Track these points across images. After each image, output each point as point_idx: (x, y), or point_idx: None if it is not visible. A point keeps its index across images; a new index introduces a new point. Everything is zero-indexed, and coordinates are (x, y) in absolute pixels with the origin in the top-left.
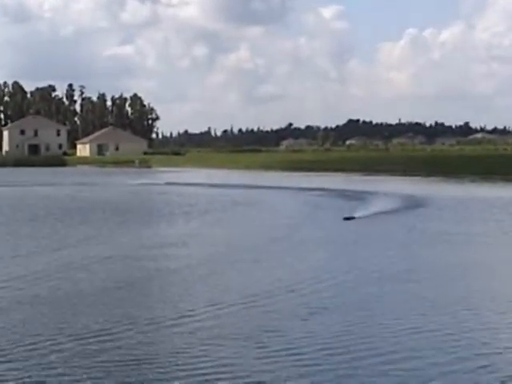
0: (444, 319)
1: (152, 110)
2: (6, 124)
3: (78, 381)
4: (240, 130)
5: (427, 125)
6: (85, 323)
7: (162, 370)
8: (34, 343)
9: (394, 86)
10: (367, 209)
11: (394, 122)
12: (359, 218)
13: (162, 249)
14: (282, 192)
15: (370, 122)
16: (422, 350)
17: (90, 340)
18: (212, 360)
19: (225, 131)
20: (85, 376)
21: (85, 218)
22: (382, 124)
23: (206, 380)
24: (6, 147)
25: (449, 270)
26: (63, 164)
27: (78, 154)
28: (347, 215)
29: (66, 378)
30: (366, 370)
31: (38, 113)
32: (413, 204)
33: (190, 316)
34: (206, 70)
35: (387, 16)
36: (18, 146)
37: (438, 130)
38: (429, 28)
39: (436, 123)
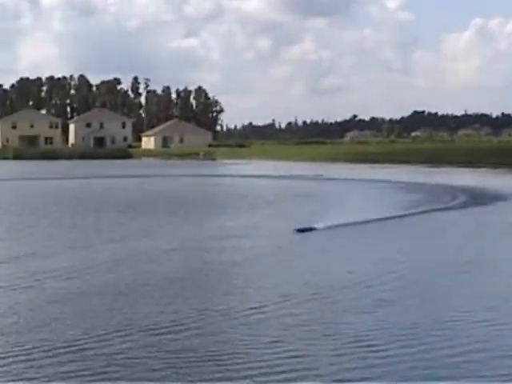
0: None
1: (216, 102)
2: (72, 117)
3: (145, 371)
4: (304, 122)
5: (493, 116)
6: (152, 314)
7: (230, 362)
8: (102, 333)
9: (459, 76)
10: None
11: (459, 113)
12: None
13: (225, 240)
14: (349, 184)
15: (436, 114)
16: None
17: (159, 331)
18: (280, 352)
19: (289, 123)
20: (153, 367)
21: (149, 209)
22: (447, 115)
23: (276, 372)
24: (72, 140)
25: None
26: (128, 156)
27: (143, 146)
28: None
29: (134, 368)
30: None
31: (103, 106)
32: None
33: (256, 308)
34: (270, 62)
35: (452, 6)
36: (83, 139)
37: (505, 121)
38: (495, 18)
39: (502, 114)
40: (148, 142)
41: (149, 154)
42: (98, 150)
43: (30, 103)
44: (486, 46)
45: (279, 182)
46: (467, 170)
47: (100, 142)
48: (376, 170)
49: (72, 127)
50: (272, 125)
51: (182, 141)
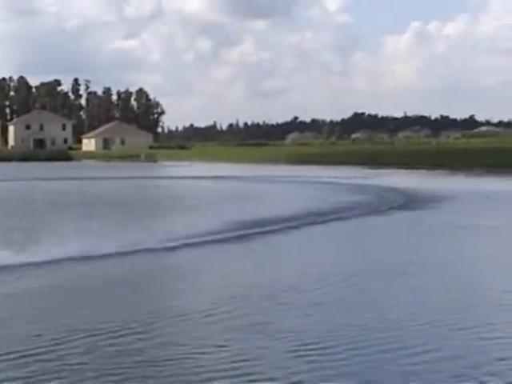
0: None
1: (157, 104)
2: (11, 119)
3: (79, 376)
4: (246, 124)
5: (432, 118)
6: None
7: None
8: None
9: (399, 79)
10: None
11: (399, 115)
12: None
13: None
14: (289, 185)
15: (376, 116)
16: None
17: (101, 336)
18: (226, 356)
19: (230, 125)
20: (87, 373)
21: (86, 212)
22: (387, 117)
23: (223, 376)
24: (11, 142)
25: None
26: (69, 158)
27: (84, 148)
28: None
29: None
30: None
31: (43, 107)
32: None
33: (202, 311)
34: (211, 64)
35: (392, 9)
36: (23, 141)
37: (444, 123)
38: (433, 21)
39: (441, 116)
40: (89, 144)
41: (89, 156)
42: (38, 151)
43: None
44: (424, 48)
45: (218, 183)
46: (406, 172)
47: (40, 143)
48: (317, 171)
49: (11, 129)
50: (213, 126)
51: (122, 143)
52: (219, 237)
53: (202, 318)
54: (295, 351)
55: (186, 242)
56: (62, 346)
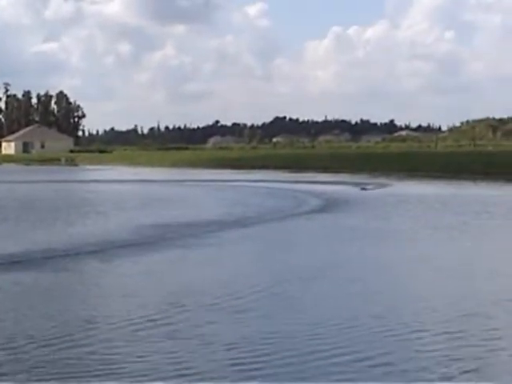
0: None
1: (78, 107)
2: None
3: None
4: (167, 128)
5: (353, 122)
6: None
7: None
8: None
9: (319, 83)
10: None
11: (320, 119)
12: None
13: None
14: (205, 188)
15: (297, 120)
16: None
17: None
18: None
19: (151, 129)
20: None
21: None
22: (308, 121)
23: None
24: None
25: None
26: None
27: (3, 152)
28: None
29: None
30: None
31: None
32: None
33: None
34: (132, 68)
35: (312, 14)
36: None
37: (364, 128)
38: (353, 26)
39: (361, 120)
40: (8, 148)
41: (9, 159)
42: None
43: None
44: (345, 53)
45: (135, 186)
46: (326, 176)
47: None
48: (236, 175)
49: None
50: (134, 130)
51: (43, 146)
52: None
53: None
54: None
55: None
56: None
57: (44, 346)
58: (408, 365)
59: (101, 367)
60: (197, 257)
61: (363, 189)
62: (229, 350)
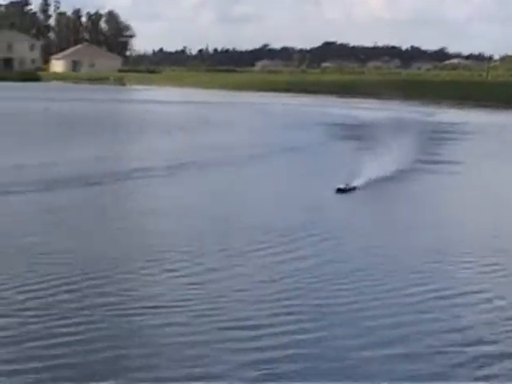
0: None
1: (127, 27)
2: None
3: None
4: (215, 50)
5: (403, 48)
6: None
7: None
8: None
9: (370, 9)
10: None
11: (369, 45)
12: None
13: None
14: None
15: (346, 45)
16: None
17: None
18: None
19: (200, 50)
20: None
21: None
22: (357, 47)
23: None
24: None
25: None
26: (37, 79)
27: (52, 69)
28: None
29: None
30: None
31: (11, 26)
32: None
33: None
34: None
35: None
36: None
37: (414, 55)
38: None
39: (412, 47)
40: (57, 65)
41: (58, 77)
42: (6, 71)
43: None
44: None
45: (190, 108)
46: (376, 102)
47: (7, 63)
48: (286, 98)
49: None
50: (183, 51)
51: (92, 65)
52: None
53: None
54: None
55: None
56: None
57: None
58: None
59: None
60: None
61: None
62: None
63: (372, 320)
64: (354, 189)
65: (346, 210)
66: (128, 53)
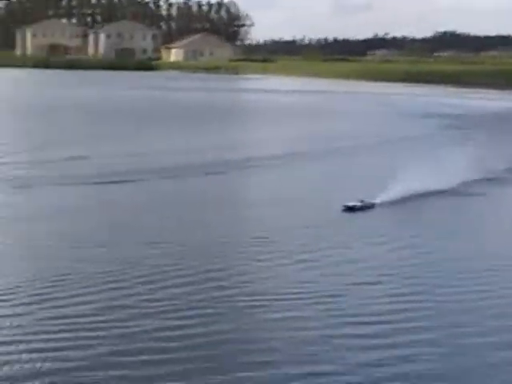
0: None
1: (246, 16)
2: (92, 27)
3: None
4: (328, 39)
5: None
6: None
7: None
8: None
9: None
10: None
11: (483, 34)
12: None
13: None
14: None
15: (461, 35)
16: None
17: None
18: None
19: (315, 40)
20: None
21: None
22: (471, 36)
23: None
24: (98, 50)
25: None
26: (152, 68)
27: (170, 59)
28: None
29: None
30: None
31: (134, 17)
32: None
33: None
34: None
35: None
36: (111, 50)
37: None
38: None
39: None
40: (176, 55)
41: (176, 66)
42: (126, 60)
43: (50, 13)
44: None
45: (318, 97)
46: (493, 92)
47: (127, 53)
48: (407, 88)
49: (102, 37)
50: (294, 41)
51: (210, 54)
52: None
53: None
54: None
55: None
56: None
57: None
58: None
59: None
60: None
61: None
62: None
63: None
64: None
65: None
66: (245, 42)
